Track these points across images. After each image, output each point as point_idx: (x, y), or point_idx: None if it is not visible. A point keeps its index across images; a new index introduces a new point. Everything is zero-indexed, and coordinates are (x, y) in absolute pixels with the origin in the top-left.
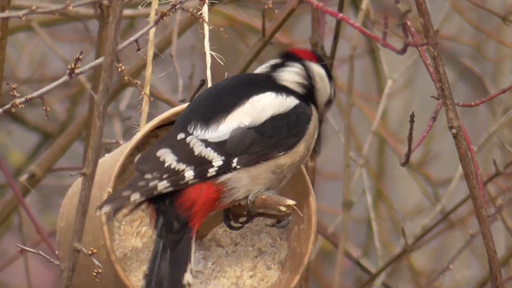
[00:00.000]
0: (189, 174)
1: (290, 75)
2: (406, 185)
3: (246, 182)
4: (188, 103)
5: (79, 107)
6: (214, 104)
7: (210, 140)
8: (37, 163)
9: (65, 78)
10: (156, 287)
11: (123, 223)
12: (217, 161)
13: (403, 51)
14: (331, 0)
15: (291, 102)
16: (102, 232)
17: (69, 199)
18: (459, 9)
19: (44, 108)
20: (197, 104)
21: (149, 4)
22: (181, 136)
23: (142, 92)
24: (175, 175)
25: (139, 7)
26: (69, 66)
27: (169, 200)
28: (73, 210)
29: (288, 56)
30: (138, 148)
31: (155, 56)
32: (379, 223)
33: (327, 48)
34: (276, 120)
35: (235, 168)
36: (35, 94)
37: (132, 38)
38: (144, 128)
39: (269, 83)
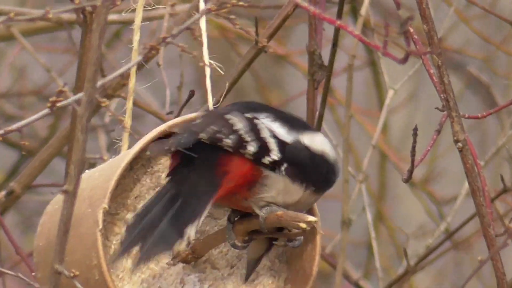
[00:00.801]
0: (251, 148)
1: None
2: (409, 204)
3: (279, 188)
4: (183, 114)
5: (61, 121)
6: (288, 116)
7: (276, 134)
8: (16, 179)
9: (46, 111)
10: (145, 229)
11: (114, 242)
12: (275, 154)
13: (404, 60)
14: (330, 8)
15: (335, 156)
16: (95, 250)
17: (49, 217)
18: (465, 18)
19: (22, 142)
20: (268, 108)
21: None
22: (248, 115)
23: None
24: (239, 142)
25: (123, 13)
26: (50, 100)
27: (211, 157)
28: (54, 228)
29: None
30: (131, 163)
31: (140, 66)
32: (380, 243)
33: (325, 57)
34: (324, 158)
35: (280, 171)
36: (14, 126)
37: (120, 71)
38: (143, 139)
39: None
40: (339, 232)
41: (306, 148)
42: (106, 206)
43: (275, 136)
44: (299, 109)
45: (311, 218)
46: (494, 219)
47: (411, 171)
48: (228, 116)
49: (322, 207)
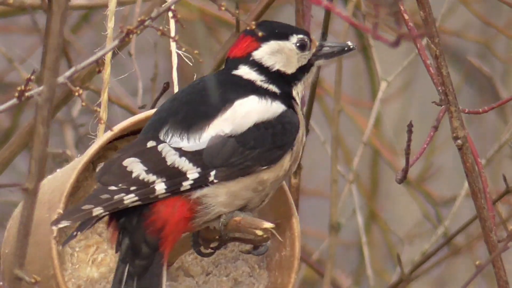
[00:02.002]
0: (160, 187)
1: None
2: (404, 205)
3: (223, 199)
4: (155, 108)
5: (26, 113)
6: (194, 108)
7: (185, 149)
8: None
9: (13, 101)
10: None
11: (77, 249)
12: (193, 173)
13: (396, 43)
14: None
15: (277, 108)
16: (51, 260)
17: (15, 221)
18: (465, 0)
19: None
20: (173, 109)
21: None
22: (151, 143)
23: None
24: (144, 188)
25: None
26: (19, 88)
27: (137, 218)
28: None
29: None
30: (93, 162)
31: (113, 55)
32: (373, 246)
33: None
34: (259, 129)
35: (212, 182)
36: None
37: (93, 58)
38: (100, 139)
39: (250, 83)
40: (327, 233)
41: (230, 137)
42: (60, 210)
43: (185, 153)
44: None
45: (267, 224)
46: (496, 223)
47: (405, 171)
48: (125, 162)
49: (310, 205)
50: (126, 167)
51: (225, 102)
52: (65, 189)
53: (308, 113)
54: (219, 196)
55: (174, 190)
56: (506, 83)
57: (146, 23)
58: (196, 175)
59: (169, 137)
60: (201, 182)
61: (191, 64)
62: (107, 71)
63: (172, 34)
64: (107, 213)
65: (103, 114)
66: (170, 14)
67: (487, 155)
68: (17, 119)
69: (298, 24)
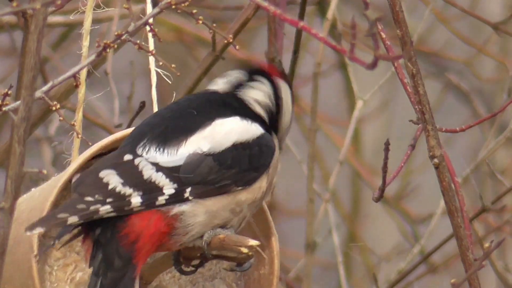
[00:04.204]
0: (136, 200)
1: (258, 94)
2: (382, 223)
3: (202, 219)
4: (132, 127)
5: (3, 130)
6: (174, 124)
7: (162, 164)
8: None
9: None
10: None
11: (55, 268)
12: (169, 188)
13: (372, 65)
14: (294, 9)
15: (256, 130)
16: (31, 278)
17: None
18: (445, 19)
19: None
20: (153, 123)
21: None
22: (128, 157)
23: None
24: (120, 200)
25: (71, 16)
26: None
27: (111, 231)
28: None
29: (255, 71)
30: (71, 181)
31: (89, 74)
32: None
33: (287, 64)
34: (237, 150)
35: (187, 199)
36: None
37: (69, 73)
38: (79, 158)
39: (233, 104)
40: (303, 252)
41: (208, 155)
42: (41, 229)
43: (161, 168)
44: None
45: (252, 242)
46: (473, 241)
47: (382, 190)
48: (102, 174)
49: (287, 225)
50: (102, 178)
51: (206, 120)
52: (45, 208)
53: None
54: (198, 216)
55: (149, 204)
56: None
57: (123, 37)
58: (172, 191)
59: (146, 151)
60: (176, 198)
61: (170, 82)
62: (82, 90)
63: (151, 47)
64: (81, 221)
65: (79, 130)
66: (148, 28)
67: (465, 172)
68: None
69: (270, 42)
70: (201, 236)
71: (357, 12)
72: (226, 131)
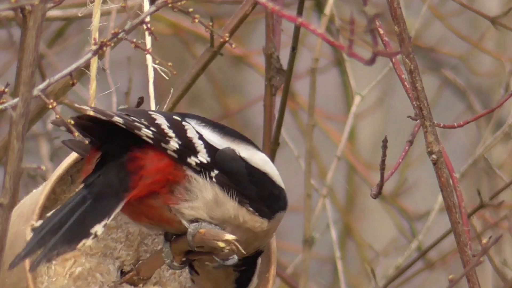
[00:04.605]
0: (174, 144)
1: None
2: (379, 218)
3: (210, 198)
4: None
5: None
6: (225, 128)
7: (205, 137)
8: None
9: None
10: (53, 228)
11: (54, 262)
12: (203, 157)
13: (371, 61)
14: (293, 5)
15: (282, 183)
16: (24, 271)
17: None
18: (441, 15)
19: None
20: (204, 118)
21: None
22: (176, 117)
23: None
24: (161, 135)
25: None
26: None
27: (123, 150)
28: None
29: None
30: (71, 176)
31: (82, 73)
32: (349, 259)
33: (285, 60)
34: (266, 177)
35: (210, 177)
36: None
37: (66, 71)
38: (60, 166)
39: None
40: (301, 247)
41: (242, 159)
42: (34, 222)
43: (203, 139)
44: (259, 116)
45: (229, 236)
46: (471, 237)
47: (380, 186)
48: (151, 112)
49: (284, 220)
50: (151, 114)
51: (255, 147)
52: (39, 201)
53: (277, 128)
54: (207, 192)
55: (181, 155)
56: (485, 96)
57: (120, 35)
58: (204, 161)
59: (195, 123)
60: (203, 169)
61: (167, 78)
62: (93, 86)
63: (148, 47)
64: (124, 126)
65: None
66: (144, 26)
67: (461, 169)
68: None
69: (268, 38)
70: (192, 221)
71: (355, 7)
72: (264, 159)
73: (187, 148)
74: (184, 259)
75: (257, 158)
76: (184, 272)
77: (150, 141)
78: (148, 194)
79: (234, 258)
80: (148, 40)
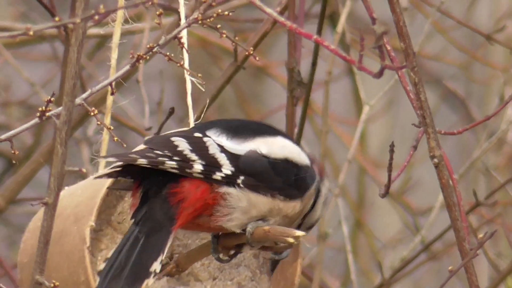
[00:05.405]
0: (198, 166)
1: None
2: (387, 215)
3: (244, 205)
4: (163, 131)
5: (46, 132)
6: (244, 126)
7: (227, 148)
8: (0, 193)
9: (35, 121)
10: (116, 271)
11: (99, 258)
12: (227, 169)
13: (379, 74)
14: (310, 19)
15: (306, 160)
16: (83, 267)
17: (31, 234)
18: (442, 28)
19: (13, 151)
20: (223, 120)
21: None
22: (198, 134)
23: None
24: (184, 162)
25: (102, 31)
26: (40, 109)
27: (161, 188)
28: (37, 246)
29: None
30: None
31: (119, 84)
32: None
33: (305, 73)
34: (288, 164)
35: (238, 185)
36: (3, 136)
37: (106, 81)
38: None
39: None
40: (317, 241)
41: (264, 157)
42: (93, 224)
43: (225, 151)
44: (280, 123)
45: (299, 232)
46: (469, 232)
47: (388, 187)
48: (173, 139)
49: None
50: (173, 141)
51: (271, 133)
52: (96, 204)
53: (298, 136)
54: (241, 201)
55: (207, 174)
56: (485, 102)
57: (154, 49)
58: (229, 172)
59: (216, 135)
60: (230, 180)
61: (203, 90)
62: (110, 98)
63: (186, 61)
64: (149, 165)
65: (105, 136)
66: (177, 41)
67: (462, 168)
68: (39, 137)
69: (290, 53)
70: (241, 226)
71: (364, 24)
72: (282, 145)
73: (211, 165)
74: (232, 252)
75: (276, 148)
76: (212, 263)
77: (176, 171)
78: (194, 218)
79: (288, 252)
80: (186, 55)
